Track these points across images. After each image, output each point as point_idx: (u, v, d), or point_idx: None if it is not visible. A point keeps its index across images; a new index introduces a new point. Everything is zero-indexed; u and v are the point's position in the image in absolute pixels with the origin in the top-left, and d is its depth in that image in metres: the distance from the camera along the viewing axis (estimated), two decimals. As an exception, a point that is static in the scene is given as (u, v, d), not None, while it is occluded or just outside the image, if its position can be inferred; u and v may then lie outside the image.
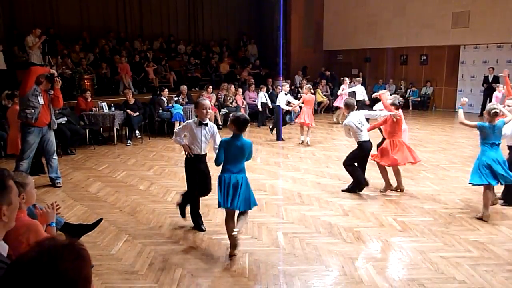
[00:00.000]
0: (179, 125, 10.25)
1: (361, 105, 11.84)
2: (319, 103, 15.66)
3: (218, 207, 3.93)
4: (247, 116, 3.93)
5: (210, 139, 4.55)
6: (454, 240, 4.30)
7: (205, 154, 4.60)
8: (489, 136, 4.76)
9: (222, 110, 11.98)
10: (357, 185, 5.76)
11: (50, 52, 11.71)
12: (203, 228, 4.56)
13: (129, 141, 9.77)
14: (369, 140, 5.71)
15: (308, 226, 4.69)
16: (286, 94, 10.32)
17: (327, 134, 11.12)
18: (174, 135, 4.59)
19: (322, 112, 15.90)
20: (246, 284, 3.44)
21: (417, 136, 10.52)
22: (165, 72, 14.41)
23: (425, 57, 16.89)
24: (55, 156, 6.30)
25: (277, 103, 10.12)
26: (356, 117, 5.67)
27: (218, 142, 4.26)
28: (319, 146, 9.39)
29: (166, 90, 11.00)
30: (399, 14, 16.60)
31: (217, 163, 3.94)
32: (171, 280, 3.49)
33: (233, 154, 3.84)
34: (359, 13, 17.66)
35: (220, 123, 11.81)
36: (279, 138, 10.19)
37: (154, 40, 15.67)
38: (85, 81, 11.35)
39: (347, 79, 13.12)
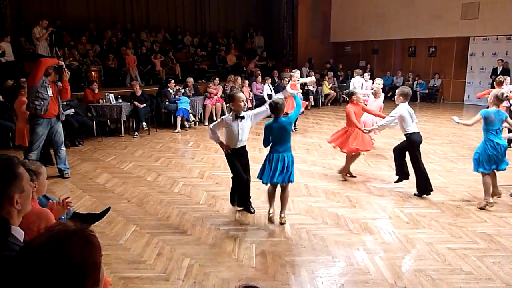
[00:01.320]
0: (180, 120, 10.50)
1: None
2: (326, 95, 15.59)
3: (262, 181, 4.41)
4: (277, 99, 4.36)
5: (254, 122, 4.53)
6: (461, 231, 4.30)
7: (244, 146, 4.57)
8: (494, 122, 4.84)
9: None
10: (403, 177, 5.50)
11: (57, 44, 11.75)
12: (252, 210, 4.74)
13: (136, 133, 9.81)
14: (419, 132, 5.37)
15: (315, 218, 4.71)
16: (298, 80, 10.23)
17: (334, 127, 11.07)
18: (210, 132, 4.44)
19: (329, 104, 15.84)
20: (253, 274, 3.47)
21: (425, 129, 10.44)
22: (171, 64, 14.40)
23: (433, 49, 16.71)
24: (63, 147, 6.35)
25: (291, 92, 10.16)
26: (409, 108, 5.33)
27: (261, 110, 4.45)
28: (325, 138, 9.36)
29: (173, 81, 11.01)
30: (408, 5, 16.41)
31: (264, 145, 4.43)
32: (179, 270, 3.53)
33: (277, 135, 4.30)
34: (367, 4, 17.48)
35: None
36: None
37: (160, 31, 15.65)
38: (92, 73, 11.38)
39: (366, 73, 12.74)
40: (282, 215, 4.46)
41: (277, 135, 4.29)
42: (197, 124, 11.29)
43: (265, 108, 4.52)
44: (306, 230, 4.35)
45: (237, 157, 4.50)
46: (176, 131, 10.41)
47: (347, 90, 6.10)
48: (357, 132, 5.90)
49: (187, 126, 10.74)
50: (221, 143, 4.47)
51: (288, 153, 4.32)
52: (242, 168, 4.51)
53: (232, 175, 4.69)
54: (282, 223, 4.44)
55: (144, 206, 5.10)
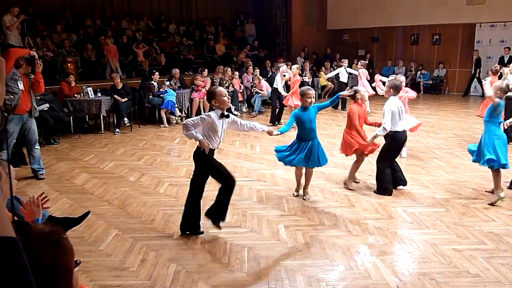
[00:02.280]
0: (164, 114, 10.49)
1: (341, 87, 12.20)
2: (323, 87, 15.63)
3: (289, 165, 5.17)
4: (307, 88, 5.16)
5: (232, 126, 4.36)
6: (468, 231, 4.34)
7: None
8: (499, 114, 4.95)
9: (218, 95, 11.93)
10: (382, 189, 5.41)
11: (29, 33, 11.60)
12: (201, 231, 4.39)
13: (117, 129, 9.76)
14: (404, 131, 5.39)
15: (311, 218, 4.72)
16: (284, 76, 10.40)
17: (331, 120, 11.12)
18: (184, 128, 4.14)
19: (326, 96, 15.87)
20: (245, 280, 3.48)
21: (429, 122, 10.53)
22: (155, 54, 14.32)
23: (437, 37, 16.82)
24: (37, 146, 6.29)
25: (275, 86, 10.36)
26: (399, 103, 5.33)
27: (244, 122, 4.47)
28: (323, 133, 9.39)
29: (157, 73, 10.95)
30: (410, -11, 16.50)
31: (283, 130, 4.90)
32: (164, 277, 3.52)
33: (305, 125, 5.02)
34: (366, -11, 17.55)
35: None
36: (273, 122, 10.36)
37: (143, 19, 15.54)
38: (68, 64, 11.26)
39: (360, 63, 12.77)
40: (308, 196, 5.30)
41: (305, 125, 5.10)
42: (184, 120, 11.22)
43: (255, 128, 4.43)
44: (302, 232, 4.36)
45: (212, 159, 4.30)
46: (163, 126, 10.39)
47: (353, 88, 5.87)
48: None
49: (174, 121, 10.69)
50: (202, 141, 4.17)
51: (316, 139, 5.24)
52: (216, 168, 4.30)
53: (220, 180, 4.35)
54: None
55: (126, 209, 5.07)
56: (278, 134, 4.76)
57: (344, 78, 12.90)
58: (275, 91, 10.70)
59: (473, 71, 15.58)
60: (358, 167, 5.81)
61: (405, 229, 4.42)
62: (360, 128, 5.56)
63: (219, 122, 4.18)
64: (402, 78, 8.01)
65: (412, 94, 7.27)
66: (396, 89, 5.33)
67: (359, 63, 12.30)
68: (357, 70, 11.97)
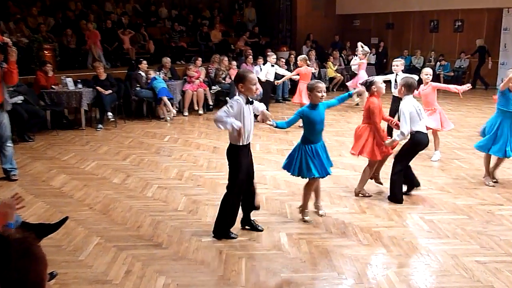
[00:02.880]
0: (162, 104, 10.50)
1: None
2: (331, 79, 15.63)
3: (307, 177, 4.76)
4: (316, 81, 4.84)
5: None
6: (492, 242, 4.34)
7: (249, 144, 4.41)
8: None
9: (213, 87, 11.96)
10: (393, 197, 5.43)
11: (1, 17, 11.60)
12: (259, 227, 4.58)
13: (100, 125, 9.76)
14: (427, 134, 5.38)
15: (317, 226, 4.72)
16: (272, 66, 10.73)
17: (340, 116, 11.12)
18: (219, 121, 4.05)
19: (335, 90, 15.86)
20: (242, 294, 3.47)
21: (450, 119, 10.44)
22: (143, 41, 14.32)
23: (460, 23, 16.81)
24: (9, 143, 6.28)
25: (262, 77, 10.55)
26: (416, 103, 5.33)
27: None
28: (331, 130, 9.39)
29: (145, 62, 10.95)
30: (429, -31, 16.50)
31: (280, 125, 4.73)
32: (152, 290, 3.52)
33: (316, 126, 4.71)
34: (380, -31, 17.55)
35: (210, 103, 11.79)
36: None
37: (129, 1, 15.53)
38: (45, 52, 11.27)
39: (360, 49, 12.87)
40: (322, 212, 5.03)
41: (315, 125, 4.75)
42: (175, 114, 11.24)
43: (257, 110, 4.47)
44: (306, 241, 4.36)
45: (247, 156, 4.36)
46: (164, 118, 10.53)
47: (368, 79, 5.75)
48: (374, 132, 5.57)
49: (169, 116, 10.63)
50: (241, 130, 4.12)
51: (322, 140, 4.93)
52: (248, 171, 4.37)
53: (230, 184, 4.37)
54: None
55: (109, 214, 5.07)
56: (272, 126, 4.59)
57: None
58: (268, 83, 10.83)
59: (478, 61, 15.65)
60: (371, 173, 5.78)
61: (422, 239, 4.42)
62: (379, 126, 5.48)
63: (247, 108, 4.21)
64: (400, 61, 7.98)
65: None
66: (409, 87, 5.31)
67: (359, 51, 12.28)
68: (356, 60, 12.15)
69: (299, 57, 10.40)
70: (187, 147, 8.16)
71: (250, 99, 4.24)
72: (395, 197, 5.40)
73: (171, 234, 4.53)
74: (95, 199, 5.56)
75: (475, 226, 4.70)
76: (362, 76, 11.80)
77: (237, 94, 4.23)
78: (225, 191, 4.42)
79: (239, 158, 4.30)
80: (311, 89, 4.72)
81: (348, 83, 13.30)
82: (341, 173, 6.51)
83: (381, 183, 5.89)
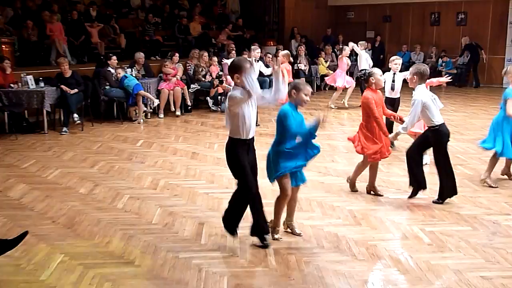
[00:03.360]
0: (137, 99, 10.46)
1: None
2: (323, 77, 15.72)
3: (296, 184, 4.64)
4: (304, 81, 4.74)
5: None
6: (499, 255, 4.39)
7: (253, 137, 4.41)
8: None
9: (192, 86, 11.95)
10: (416, 187, 5.63)
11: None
12: (265, 242, 4.53)
13: (64, 128, 9.68)
14: (444, 123, 5.50)
15: (307, 239, 4.72)
16: (257, 61, 10.58)
17: (333, 118, 11.17)
18: (233, 98, 4.12)
19: (327, 89, 15.96)
20: (224, 317, 3.46)
21: (453, 121, 10.64)
22: (114, 35, 14.24)
23: (463, 16, 17.06)
24: (-38, 149, 6.20)
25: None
26: (429, 92, 5.48)
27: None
28: (323, 134, 9.40)
29: (114, 58, 10.89)
30: (429, -43, 16.74)
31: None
32: (123, 314, 3.49)
33: (291, 130, 4.44)
34: (376, -44, 17.75)
35: (189, 104, 11.77)
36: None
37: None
38: (3, 46, 11.16)
39: (346, 48, 12.95)
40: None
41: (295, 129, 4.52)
42: (149, 116, 11.20)
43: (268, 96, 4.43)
44: (295, 256, 4.36)
45: (248, 152, 4.34)
46: (136, 120, 10.55)
47: (362, 71, 5.93)
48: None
49: (150, 107, 10.60)
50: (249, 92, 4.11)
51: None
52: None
53: (238, 184, 4.37)
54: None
55: (75, 228, 5.02)
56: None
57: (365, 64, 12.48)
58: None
59: (470, 60, 16.07)
60: (362, 170, 5.93)
61: (423, 253, 4.45)
62: (381, 120, 5.62)
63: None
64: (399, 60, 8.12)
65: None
66: (421, 75, 5.42)
67: (344, 48, 12.53)
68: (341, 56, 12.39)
69: (281, 53, 10.39)
70: (162, 153, 8.13)
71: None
72: (420, 183, 5.61)
73: (145, 250, 4.49)
74: (59, 211, 5.50)
75: (480, 238, 4.74)
76: (339, 74, 12.07)
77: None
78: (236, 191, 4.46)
79: (239, 155, 4.28)
80: (297, 89, 4.44)
81: (326, 79, 13.48)
82: (334, 181, 6.54)
83: (381, 195, 5.96)
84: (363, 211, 5.48)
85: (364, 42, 12.81)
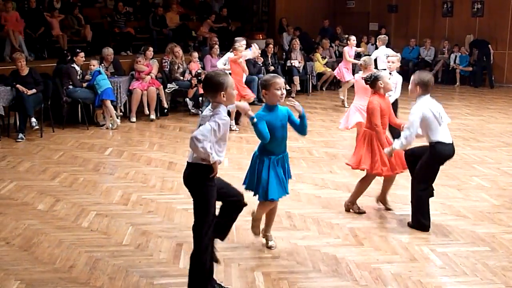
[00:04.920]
0: (102, 108, 10.42)
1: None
2: (320, 75, 15.81)
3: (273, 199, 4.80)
4: (272, 75, 4.84)
5: None
6: (520, 279, 4.43)
7: None
8: None
9: (169, 85, 11.93)
10: (417, 223, 5.54)
11: None
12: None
13: (20, 135, 9.63)
14: (452, 144, 5.41)
15: (301, 262, 4.73)
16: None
17: (331, 123, 11.23)
18: (199, 141, 3.83)
19: (324, 89, 16.04)
20: None
21: (468, 126, 10.75)
22: (78, 26, 14.21)
23: (479, 5, 17.24)
24: None
25: (220, 67, 10.50)
26: (434, 105, 5.38)
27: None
28: (319, 140, 9.48)
29: (82, 54, 10.85)
30: None
31: (265, 138, 4.62)
32: None
33: (275, 133, 4.70)
34: None
35: (165, 106, 11.76)
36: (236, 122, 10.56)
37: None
38: (-51, 40, 11.08)
39: (353, 39, 13.11)
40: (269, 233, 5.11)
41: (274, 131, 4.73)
42: (119, 120, 11.17)
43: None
44: (288, 281, 4.36)
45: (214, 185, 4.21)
46: (104, 125, 10.57)
47: (372, 73, 5.88)
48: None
49: (111, 123, 10.58)
50: (216, 164, 4.03)
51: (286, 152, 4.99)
52: (224, 188, 4.39)
53: (206, 219, 4.12)
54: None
55: (32, 251, 4.99)
56: (252, 120, 4.49)
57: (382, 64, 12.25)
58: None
59: (480, 59, 16.30)
60: (365, 186, 5.94)
61: (434, 276, 4.48)
62: (381, 129, 5.63)
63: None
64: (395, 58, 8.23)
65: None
66: (425, 86, 5.33)
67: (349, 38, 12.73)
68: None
69: (238, 43, 10.30)
70: (134, 163, 8.11)
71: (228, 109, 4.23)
72: (419, 222, 5.47)
73: (114, 276, 4.47)
74: (14, 231, 5.46)
75: (499, 260, 4.78)
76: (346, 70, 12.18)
77: (210, 105, 4.13)
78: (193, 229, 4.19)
79: (207, 187, 4.09)
80: (266, 86, 4.66)
81: (335, 72, 13.57)
82: (333, 195, 6.57)
83: (390, 209, 5.99)
84: (366, 229, 5.51)
85: (384, 36, 12.70)
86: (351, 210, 5.94)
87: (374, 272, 4.54)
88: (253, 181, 4.88)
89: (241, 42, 10.40)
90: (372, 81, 5.73)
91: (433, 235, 5.37)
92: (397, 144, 5.38)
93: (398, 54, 8.92)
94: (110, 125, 10.56)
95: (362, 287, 4.31)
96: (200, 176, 4.05)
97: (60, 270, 4.59)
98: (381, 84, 5.68)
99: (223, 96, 4.04)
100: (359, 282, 4.39)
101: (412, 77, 5.50)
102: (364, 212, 5.92)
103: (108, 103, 10.40)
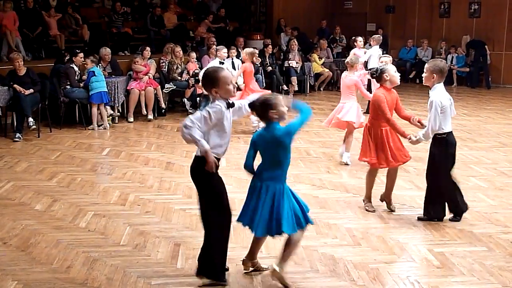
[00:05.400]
0: (98, 110, 10.42)
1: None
2: (317, 75, 15.80)
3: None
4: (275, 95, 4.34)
5: (236, 114, 4.43)
6: (518, 279, 4.44)
7: None
8: None
9: (167, 85, 11.93)
10: (456, 212, 5.66)
11: None
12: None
13: (18, 135, 9.62)
14: (452, 132, 5.53)
15: (299, 262, 4.73)
16: (222, 63, 10.50)
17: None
18: (187, 129, 3.94)
19: (321, 89, 16.04)
20: None
21: (465, 126, 10.76)
22: (76, 26, 14.19)
23: (476, 6, 17.26)
24: None
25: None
26: (446, 94, 5.46)
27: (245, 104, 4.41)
28: (317, 140, 9.48)
29: (82, 55, 10.81)
30: None
31: (246, 166, 4.36)
32: None
33: (263, 151, 4.26)
34: None
35: (163, 106, 11.75)
36: None
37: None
38: None
39: (359, 40, 13.12)
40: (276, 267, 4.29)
41: (264, 151, 4.27)
42: (117, 120, 11.16)
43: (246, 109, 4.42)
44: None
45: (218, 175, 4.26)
46: (91, 127, 10.43)
47: (375, 67, 5.94)
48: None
49: (106, 123, 10.59)
50: (207, 153, 4.02)
51: (276, 183, 4.21)
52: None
53: (213, 213, 4.21)
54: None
55: (30, 251, 4.98)
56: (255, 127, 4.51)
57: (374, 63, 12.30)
58: None
59: (476, 60, 16.33)
60: (373, 181, 5.99)
61: (431, 277, 4.48)
62: (393, 121, 5.64)
63: (227, 114, 4.20)
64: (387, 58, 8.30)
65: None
66: (441, 72, 5.42)
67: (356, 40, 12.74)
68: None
69: (245, 50, 10.30)
70: (132, 163, 8.11)
71: (230, 102, 4.22)
72: (460, 212, 5.63)
73: (111, 276, 4.47)
74: (11, 231, 5.45)
75: (496, 260, 4.78)
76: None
77: (211, 99, 4.21)
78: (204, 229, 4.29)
79: (214, 176, 4.20)
80: (272, 106, 4.11)
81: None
82: (330, 195, 6.57)
83: (392, 210, 5.99)
84: (363, 229, 5.51)
85: (378, 36, 12.73)
86: (366, 207, 6.03)
87: (371, 272, 4.54)
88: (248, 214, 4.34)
89: (221, 51, 10.68)
90: (378, 74, 5.75)
91: (430, 235, 5.38)
92: (422, 135, 5.46)
93: (390, 57, 8.95)
94: (108, 125, 10.54)
95: (359, 287, 4.31)
96: (203, 169, 4.12)
97: (58, 271, 4.59)
98: (387, 77, 5.69)
99: (216, 93, 4.12)
100: (356, 282, 4.38)
101: (426, 65, 5.58)
102: (374, 211, 5.96)
103: (102, 108, 10.42)
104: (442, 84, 5.47)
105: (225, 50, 10.85)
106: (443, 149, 5.50)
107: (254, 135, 4.38)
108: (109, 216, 5.87)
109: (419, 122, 5.74)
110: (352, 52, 12.80)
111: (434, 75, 5.41)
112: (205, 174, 4.15)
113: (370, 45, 12.89)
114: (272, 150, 4.18)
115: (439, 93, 5.39)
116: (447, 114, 5.39)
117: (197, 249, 4.88)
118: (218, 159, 4.20)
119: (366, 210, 5.98)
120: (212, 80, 4.15)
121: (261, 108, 4.15)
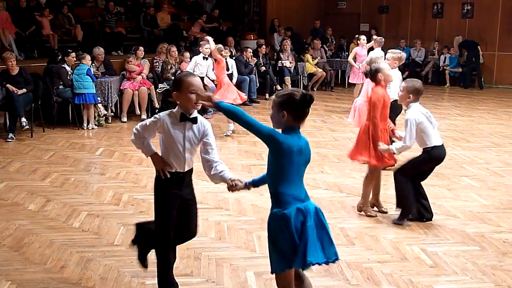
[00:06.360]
0: (84, 108, 10.39)
1: None
2: (311, 75, 15.82)
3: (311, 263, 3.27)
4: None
5: (198, 145, 3.98)
6: (510, 278, 4.46)
7: (190, 171, 4.04)
8: None
9: (160, 85, 11.92)
10: (405, 212, 5.65)
11: None
12: None
13: (10, 134, 9.60)
14: (443, 145, 5.56)
15: (293, 262, 4.75)
16: (206, 59, 10.57)
17: (322, 123, 11.25)
18: (133, 135, 4.01)
19: (315, 89, 16.06)
20: None
21: (458, 126, 10.81)
22: (68, 26, 14.15)
23: (469, 7, 17.32)
24: None
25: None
26: (424, 109, 5.51)
27: (213, 146, 3.98)
28: (310, 140, 9.34)
29: (74, 55, 10.80)
30: None
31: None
32: None
33: (296, 163, 3.39)
34: None
35: (156, 106, 11.74)
36: None
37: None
38: None
39: (363, 38, 12.96)
40: None
41: (297, 163, 3.41)
42: (110, 120, 11.15)
43: (212, 156, 3.96)
44: (280, 281, 4.38)
45: (177, 188, 3.97)
46: (85, 126, 10.46)
47: (371, 66, 5.94)
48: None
49: (96, 122, 10.58)
50: (155, 157, 3.95)
51: (309, 199, 3.53)
52: (181, 210, 4.02)
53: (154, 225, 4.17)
54: None
55: (23, 251, 4.98)
56: (247, 188, 3.81)
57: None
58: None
59: (469, 61, 16.44)
60: (373, 185, 5.96)
61: (425, 276, 4.50)
62: (379, 122, 5.66)
63: (176, 129, 3.87)
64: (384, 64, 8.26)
65: None
66: (417, 92, 5.45)
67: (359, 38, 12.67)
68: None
69: (212, 46, 10.08)
70: (126, 163, 8.10)
71: (189, 115, 3.88)
72: (407, 208, 5.59)
73: (105, 276, 4.48)
74: (4, 231, 5.45)
75: (488, 260, 4.81)
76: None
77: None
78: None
79: (162, 196, 4.00)
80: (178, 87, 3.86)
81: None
82: (324, 195, 6.59)
83: (385, 211, 6.00)
84: (357, 229, 5.53)
85: (380, 38, 12.52)
86: (362, 212, 5.92)
87: (365, 272, 4.57)
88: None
89: (204, 46, 10.59)
90: (373, 74, 5.77)
91: (423, 235, 5.40)
92: (395, 146, 5.50)
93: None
94: (103, 123, 10.54)
95: (353, 286, 4.33)
96: (157, 179, 4.02)
97: (52, 271, 4.59)
98: (381, 77, 5.72)
99: (177, 98, 3.88)
100: (350, 281, 4.41)
101: (403, 84, 5.59)
102: (375, 216, 5.88)
103: (89, 106, 10.49)
104: (418, 103, 5.49)
105: (208, 46, 10.49)
106: (426, 157, 5.53)
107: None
108: (102, 216, 5.87)
109: (392, 131, 5.83)
110: (354, 50, 12.85)
111: (410, 95, 5.45)
112: (156, 187, 4.06)
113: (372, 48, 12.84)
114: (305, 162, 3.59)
115: (414, 111, 5.42)
116: (428, 129, 5.40)
117: (191, 249, 4.91)
118: (174, 172, 3.93)
119: (368, 215, 5.89)
120: (176, 82, 3.92)
121: None
